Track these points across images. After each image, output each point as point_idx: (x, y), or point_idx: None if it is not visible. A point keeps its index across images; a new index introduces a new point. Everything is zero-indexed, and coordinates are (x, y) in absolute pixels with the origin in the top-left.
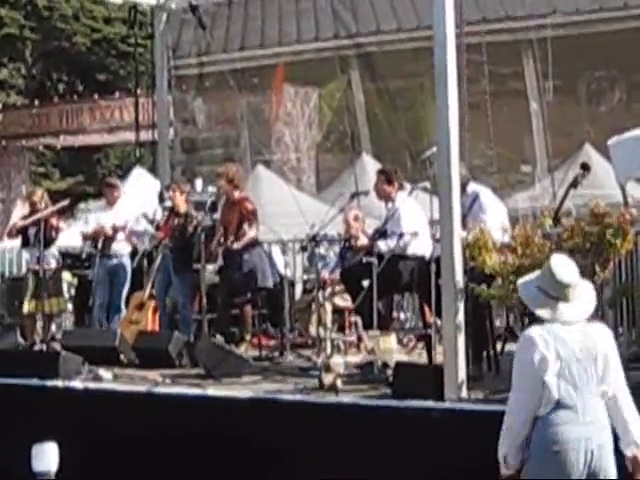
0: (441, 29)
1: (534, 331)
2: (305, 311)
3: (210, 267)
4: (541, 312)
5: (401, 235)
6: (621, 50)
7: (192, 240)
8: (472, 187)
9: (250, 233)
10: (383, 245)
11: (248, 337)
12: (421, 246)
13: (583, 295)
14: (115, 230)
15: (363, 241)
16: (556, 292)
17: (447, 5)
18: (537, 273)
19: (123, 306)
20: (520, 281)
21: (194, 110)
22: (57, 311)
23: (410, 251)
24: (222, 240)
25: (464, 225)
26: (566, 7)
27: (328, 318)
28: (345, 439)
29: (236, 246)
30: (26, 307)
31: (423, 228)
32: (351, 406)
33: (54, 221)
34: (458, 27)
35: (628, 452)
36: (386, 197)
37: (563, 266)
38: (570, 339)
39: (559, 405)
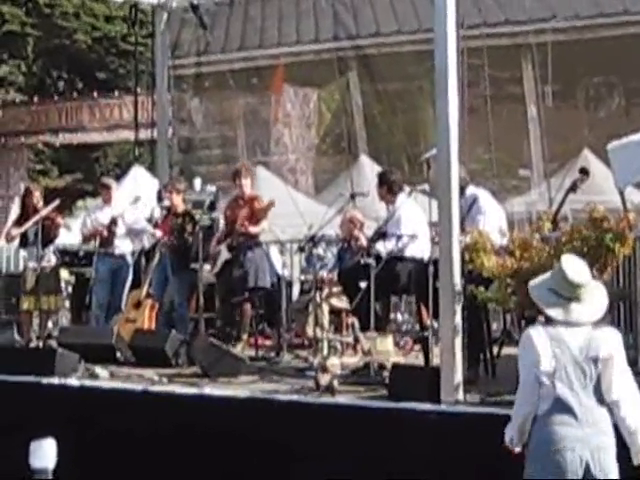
0: (442, 32)
1: (533, 330)
2: (302, 312)
3: (208, 266)
4: (553, 312)
5: (399, 237)
6: (620, 56)
7: (191, 239)
8: (471, 190)
9: (260, 227)
10: (381, 247)
11: (245, 336)
12: (419, 248)
13: (594, 295)
14: (114, 222)
15: (362, 242)
16: (567, 292)
17: (448, 8)
18: (548, 274)
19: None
20: (531, 282)
21: (191, 110)
22: (54, 308)
23: (408, 253)
24: (223, 237)
25: (462, 228)
26: (566, 12)
27: (325, 319)
28: (341, 440)
29: (252, 230)
30: (25, 304)
31: (423, 230)
32: (347, 407)
33: (57, 219)
34: (458, 30)
35: (635, 460)
36: (387, 199)
37: (574, 266)
38: (570, 341)
39: (557, 405)
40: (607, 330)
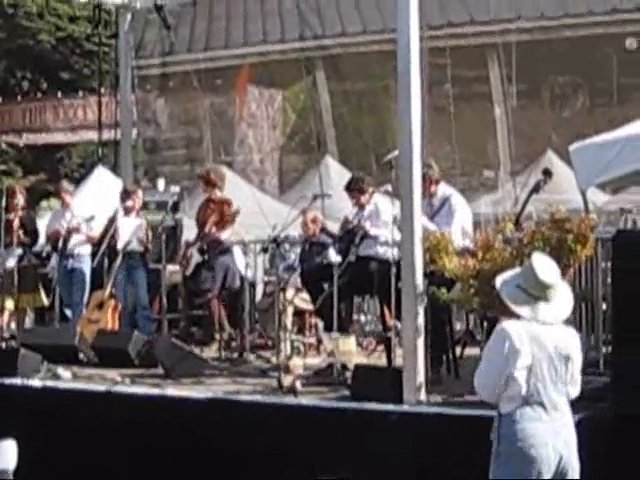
0: (405, 32)
1: (510, 325)
2: (267, 311)
3: (171, 267)
4: (521, 310)
5: (364, 237)
6: (585, 56)
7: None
8: (443, 189)
9: (227, 233)
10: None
11: (218, 336)
12: (385, 249)
13: (562, 296)
14: (69, 231)
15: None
16: (537, 291)
17: (411, 8)
18: (516, 271)
19: (84, 306)
20: (499, 279)
21: (156, 110)
22: (35, 306)
23: (381, 253)
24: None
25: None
26: (531, 12)
27: (288, 320)
28: (304, 441)
29: (221, 236)
30: (11, 304)
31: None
32: (310, 408)
33: (20, 236)
34: (422, 30)
35: None
36: (360, 202)
37: (545, 266)
38: (545, 337)
39: (527, 402)
40: (572, 330)
